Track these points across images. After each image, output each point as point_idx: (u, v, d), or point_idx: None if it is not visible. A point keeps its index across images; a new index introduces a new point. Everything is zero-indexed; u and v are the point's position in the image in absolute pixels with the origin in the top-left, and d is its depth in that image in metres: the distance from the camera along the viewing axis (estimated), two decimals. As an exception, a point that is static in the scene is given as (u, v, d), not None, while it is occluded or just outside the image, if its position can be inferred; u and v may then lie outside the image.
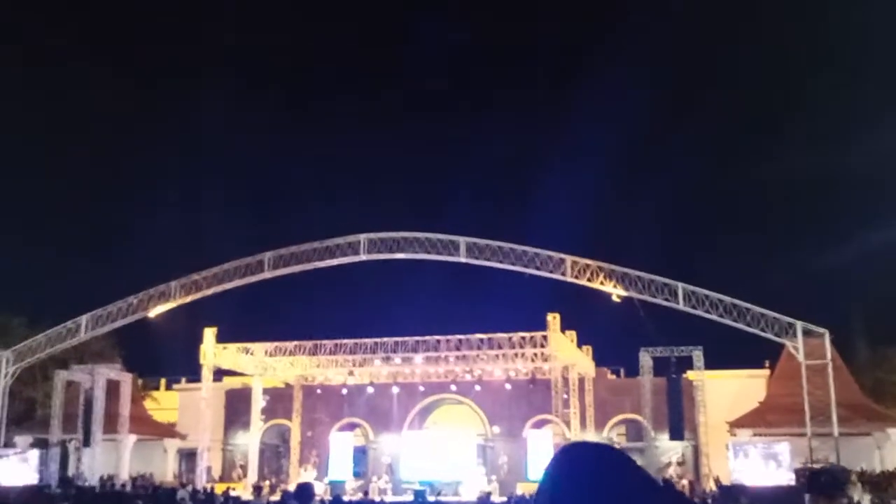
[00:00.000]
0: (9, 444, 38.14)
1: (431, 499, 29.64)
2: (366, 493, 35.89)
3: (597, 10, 73.01)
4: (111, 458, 37.99)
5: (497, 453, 40.62)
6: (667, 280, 32.79)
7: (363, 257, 35.66)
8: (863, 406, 35.98)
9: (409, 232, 35.63)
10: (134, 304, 37.31)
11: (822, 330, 32.17)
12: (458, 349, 36.78)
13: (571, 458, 1.78)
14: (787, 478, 29.77)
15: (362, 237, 35.68)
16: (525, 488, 32.95)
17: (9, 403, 38.41)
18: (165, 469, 43.06)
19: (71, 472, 36.77)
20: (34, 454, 35.77)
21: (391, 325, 44.20)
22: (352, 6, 79.37)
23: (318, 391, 43.12)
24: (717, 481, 33.68)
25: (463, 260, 34.57)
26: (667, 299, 32.48)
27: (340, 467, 40.31)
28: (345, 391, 42.21)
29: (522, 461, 38.58)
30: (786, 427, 33.90)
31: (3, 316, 45.83)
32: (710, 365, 35.88)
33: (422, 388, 42.05)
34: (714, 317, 32.15)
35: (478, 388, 40.58)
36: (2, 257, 54.36)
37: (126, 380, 38.68)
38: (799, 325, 31.91)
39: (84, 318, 37.79)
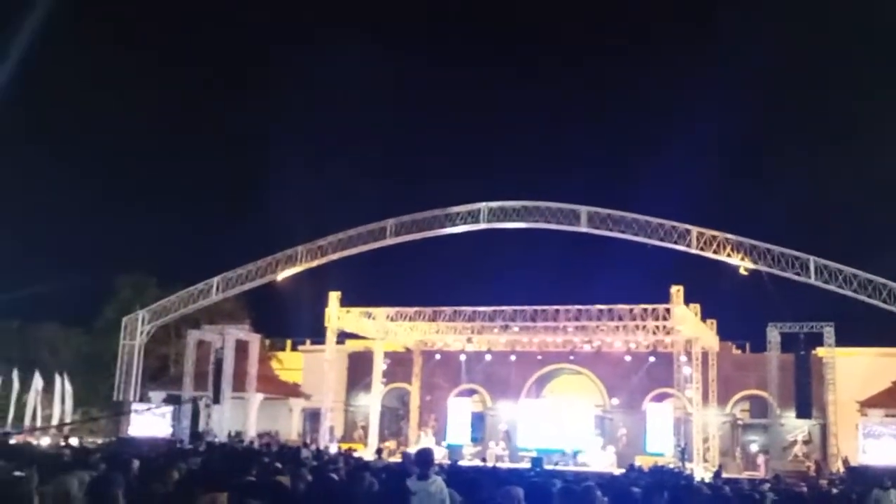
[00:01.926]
0: (144, 398, 40.02)
1: (549, 467, 29.65)
2: (483, 459, 36.18)
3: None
4: (239, 416, 39.36)
5: (616, 425, 40.25)
6: (797, 253, 31.66)
7: (483, 226, 35.71)
8: None
9: (529, 201, 35.46)
10: (262, 268, 38.55)
11: (963, 308, 30.55)
12: (577, 319, 36.46)
13: None
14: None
15: (483, 205, 35.73)
16: (643, 461, 32.59)
17: (144, 360, 40.31)
18: (290, 428, 44.31)
19: (201, 427, 38.24)
20: (168, 410, 37.54)
21: (510, 294, 44.06)
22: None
23: (437, 356, 43.58)
24: (845, 462, 32.60)
25: (584, 230, 34.18)
26: (797, 273, 31.37)
27: (458, 432, 40.88)
28: (463, 357, 42.57)
29: (641, 434, 38.22)
30: (921, 409, 32.49)
31: (139, 276, 48.11)
32: (840, 342, 34.62)
33: (539, 357, 42.02)
34: (847, 292, 30.88)
35: (596, 358, 40.27)
36: (137, 221, 57.01)
37: (254, 340, 39.83)
38: (939, 302, 30.38)
39: (215, 280, 39.29)
